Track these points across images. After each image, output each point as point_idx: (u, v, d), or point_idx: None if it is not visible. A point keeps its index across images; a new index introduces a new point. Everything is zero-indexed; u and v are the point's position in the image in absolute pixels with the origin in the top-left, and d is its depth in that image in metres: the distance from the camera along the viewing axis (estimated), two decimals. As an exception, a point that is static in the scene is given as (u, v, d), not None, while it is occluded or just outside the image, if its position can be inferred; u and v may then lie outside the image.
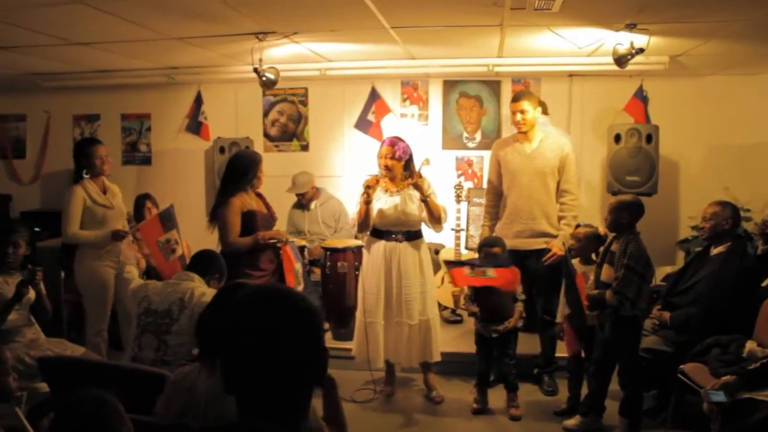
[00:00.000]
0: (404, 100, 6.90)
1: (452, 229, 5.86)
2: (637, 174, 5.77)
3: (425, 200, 4.38)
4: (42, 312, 4.14)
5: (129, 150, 7.41)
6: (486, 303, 4.41)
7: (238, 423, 1.38)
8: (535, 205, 4.74)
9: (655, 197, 5.71)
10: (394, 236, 4.52)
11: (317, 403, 1.71)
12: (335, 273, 5.49)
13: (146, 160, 7.40)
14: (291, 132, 7.13)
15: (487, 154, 5.95)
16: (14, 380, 2.61)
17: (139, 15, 4.16)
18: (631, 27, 4.41)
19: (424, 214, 4.48)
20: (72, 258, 4.69)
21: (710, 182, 6.18)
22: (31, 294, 3.99)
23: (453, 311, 6.04)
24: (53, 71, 6.34)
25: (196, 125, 7.15)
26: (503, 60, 5.94)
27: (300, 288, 4.58)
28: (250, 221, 4.36)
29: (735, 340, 3.73)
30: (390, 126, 6.75)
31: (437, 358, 4.65)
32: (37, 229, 6.34)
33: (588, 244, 4.39)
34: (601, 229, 4.55)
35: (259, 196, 4.60)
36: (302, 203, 6.31)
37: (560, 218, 4.75)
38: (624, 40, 4.68)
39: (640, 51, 4.64)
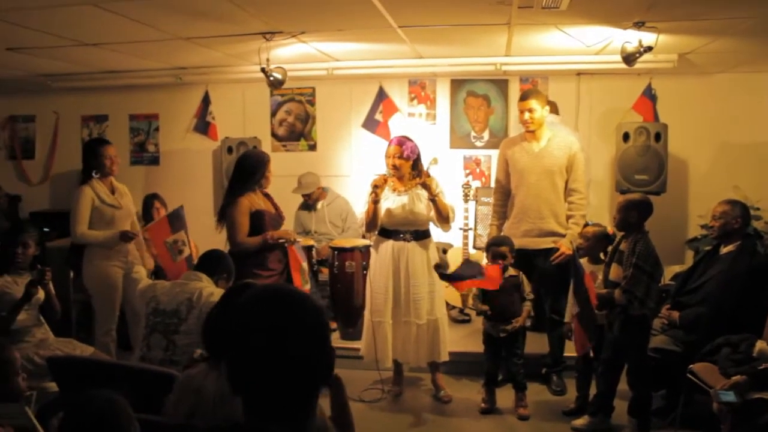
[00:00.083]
0: (412, 100, 6.90)
1: (460, 229, 5.84)
2: (645, 172, 5.75)
3: (433, 199, 4.37)
4: (51, 312, 4.15)
5: (137, 150, 7.44)
6: (494, 302, 4.40)
7: (245, 423, 1.39)
8: (543, 204, 4.72)
9: (663, 196, 5.68)
10: (402, 236, 4.52)
11: (325, 403, 1.71)
12: (343, 272, 5.49)
13: (154, 161, 7.42)
14: (298, 132, 7.14)
15: (494, 153, 5.94)
16: (23, 380, 2.62)
17: (147, 15, 4.17)
18: (639, 25, 4.39)
19: (432, 213, 4.47)
20: (81, 258, 4.71)
21: (719, 181, 6.15)
22: (41, 294, 4.01)
23: (461, 311, 6.04)
24: (62, 72, 6.36)
25: (203, 125, 7.17)
26: (511, 59, 5.93)
27: (307, 288, 4.58)
28: (259, 221, 4.37)
29: (745, 340, 3.71)
30: (398, 125, 6.76)
31: (445, 357, 4.65)
32: (46, 229, 6.37)
33: (596, 243, 4.37)
34: (610, 228, 4.53)
35: (267, 196, 4.60)
36: (309, 204, 6.31)
37: (568, 217, 4.73)
38: (632, 38, 4.66)
39: (649, 49, 4.63)
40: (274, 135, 7.17)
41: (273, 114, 7.17)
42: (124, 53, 5.46)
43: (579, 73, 6.43)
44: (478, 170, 6.84)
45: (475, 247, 6.00)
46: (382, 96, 6.84)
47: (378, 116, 6.87)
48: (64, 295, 5.08)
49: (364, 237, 5.74)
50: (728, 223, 4.20)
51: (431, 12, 4.30)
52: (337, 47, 5.49)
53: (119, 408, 1.95)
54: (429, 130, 6.80)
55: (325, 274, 5.78)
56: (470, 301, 5.01)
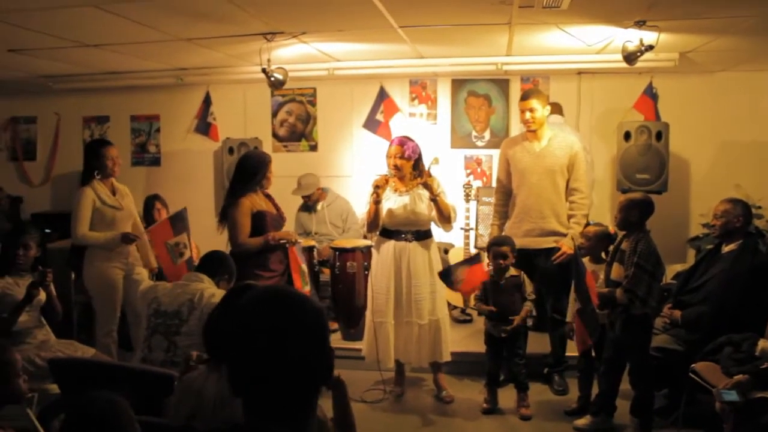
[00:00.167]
0: (413, 100, 6.90)
1: (461, 229, 5.85)
2: (647, 172, 5.74)
3: (435, 199, 4.37)
4: (52, 313, 4.15)
5: (138, 151, 7.44)
6: (495, 303, 4.39)
7: (245, 424, 1.39)
8: (544, 204, 4.71)
9: (665, 195, 5.67)
10: (403, 236, 4.52)
11: (327, 405, 1.71)
12: (344, 273, 5.48)
13: (155, 161, 7.43)
14: (300, 132, 7.14)
15: (496, 153, 5.94)
16: (25, 382, 2.62)
17: (147, 16, 4.18)
18: (640, 24, 4.38)
19: (434, 213, 4.47)
20: (82, 259, 4.70)
21: (721, 179, 6.14)
22: (42, 295, 4.00)
23: (462, 311, 6.03)
24: (63, 73, 6.37)
25: (204, 126, 7.17)
26: (512, 58, 5.93)
27: (306, 289, 4.58)
28: (260, 222, 4.37)
29: (747, 339, 3.70)
30: (399, 125, 6.75)
31: (447, 357, 4.64)
32: (47, 230, 6.37)
33: (598, 242, 4.36)
34: (611, 228, 4.53)
35: (268, 196, 4.60)
36: (308, 205, 6.31)
37: (570, 217, 4.73)
38: (633, 37, 4.66)
39: (650, 48, 4.62)
40: (275, 135, 7.17)
41: (274, 114, 7.17)
42: (125, 54, 5.46)
43: (580, 73, 6.42)
44: (479, 170, 6.83)
45: (476, 247, 6.00)
46: (383, 96, 6.84)
47: (379, 116, 6.86)
48: (66, 297, 5.08)
49: (365, 237, 5.73)
50: (730, 222, 4.19)
51: (432, 12, 4.30)
52: (338, 47, 5.49)
53: (120, 410, 1.95)
54: (430, 130, 6.80)
55: (326, 274, 5.77)
56: (472, 302, 5.00)
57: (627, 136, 5.81)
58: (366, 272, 5.18)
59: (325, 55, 5.81)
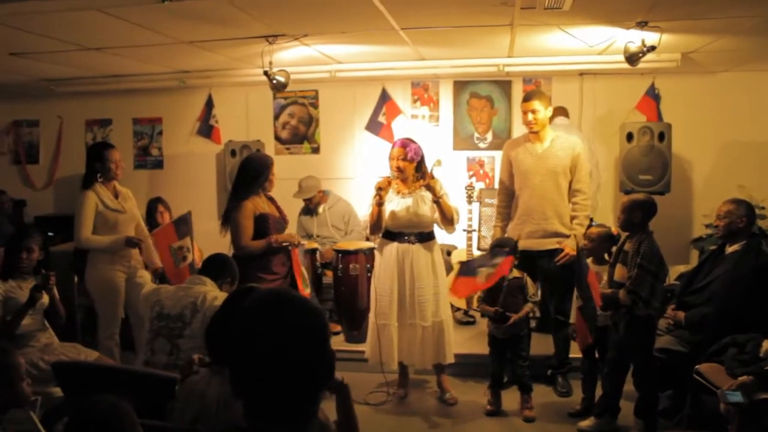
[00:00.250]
0: (415, 101, 6.90)
1: (464, 230, 5.85)
2: (649, 172, 5.73)
3: (438, 201, 4.37)
4: (56, 317, 4.16)
5: (141, 154, 7.45)
6: (497, 304, 4.38)
7: (246, 426, 1.39)
8: (547, 205, 4.71)
9: (668, 196, 5.67)
10: (406, 238, 4.51)
11: (330, 408, 1.71)
12: (347, 275, 5.48)
13: (158, 164, 7.44)
14: (302, 134, 7.14)
15: (498, 155, 5.93)
16: (28, 385, 2.63)
17: (149, 20, 4.18)
18: (642, 25, 4.38)
19: (437, 215, 4.47)
20: (85, 262, 4.71)
21: (724, 180, 6.13)
22: (45, 299, 4.01)
23: (465, 312, 6.03)
24: (65, 76, 6.39)
25: (207, 129, 7.19)
26: (514, 60, 5.92)
27: (307, 292, 4.57)
28: (263, 224, 4.36)
29: (752, 340, 3.69)
30: (401, 127, 6.76)
31: (450, 359, 4.63)
32: (50, 233, 6.38)
33: (601, 243, 4.36)
34: (614, 229, 4.52)
35: (271, 199, 4.60)
36: (310, 208, 6.30)
37: (573, 218, 4.72)
38: (635, 37, 4.66)
39: (652, 49, 4.62)
40: (277, 138, 7.17)
41: (276, 117, 7.17)
42: (127, 57, 5.47)
43: (582, 74, 6.42)
44: (481, 172, 6.83)
45: (479, 249, 6.00)
46: (385, 98, 6.85)
47: (381, 118, 6.87)
48: (69, 300, 5.09)
49: (367, 239, 5.73)
50: (733, 223, 4.18)
51: (433, 14, 4.30)
52: (340, 49, 5.49)
53: (123, 413, 1.95)
54: (432, 132, 6.80)
55: (329, 277, 5.77)
56: (475, 303, 5.00)
57: (629, 137, 5.81)
58: (369, 274, 5.18)
59: (327, 57, 5.81)
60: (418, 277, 4.48)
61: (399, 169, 4.45)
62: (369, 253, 5.38)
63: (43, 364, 3.72)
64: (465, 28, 4.74)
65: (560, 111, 6.11)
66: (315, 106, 7.09)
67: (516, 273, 4.43)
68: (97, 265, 4.65)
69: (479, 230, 6.18)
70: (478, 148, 6.84)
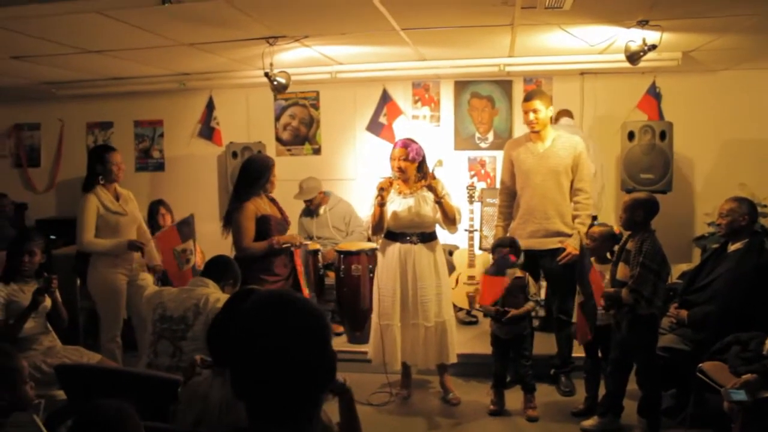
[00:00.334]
0: (416, 102, 6.90)
1: (465, 230, 5.84)
2: (651, 171, 5.73)
3: (439, 202, 4.36)
4: (58, 319, 4.16)
5: (142, 156, 7.46)
6: (500, 304, 4.38)
7: (248, 427, 1.39)
8: (549, 205, 4.70)
9: (669, 194, 5.66)
10: (408, 238, 4.51)
11: (333, 410, 1.70)
12: (349, 276, 5.48)
13: (159, 167, 7.44)
14: (303, 136, 7.15)
15: (499, 155, 5.93)
16: (32, 388, 2.63)
17: (149, 22, 4.18)
18: (643, 24, 4.38)
19: (438, 215, 4.47)
20: (87, 265, 4.71)
21: (726, 178, 6.13)
22: (47, 302, 4.01)
23: (468, 312, 6.02)
24: (66, 79, 6.39)
25: (208, 131, 7.19)
26: (514, 59, 5.92)
27: (307, 292, 4.57)
28: (265, 226, 4.37)
29: (755, 338, 3.68)
30: (402, 128, 6.76)
31: (453, 359, 4.63)
32: (52, 236, 6.37)
33: (603, 243, 4.35)
34: (616, 228, 4.51)
35: (273, 200, 4.60)
36: (311, 209, 6.30)
37: (574, 217, 4.71)
38: (636, 36, 4.65)
39: (653, 47, 4.62)
40: (278, 139, 7.18)
41: (277, 118, 7.18)
42: (128, 60, 5.47)
43: (583, 73, 6.42)
44: (483, 171, 6.83)
45: (480, 249, 5.99)
46: (385, 99, 6.85)
47: (382, 119, 6.87)
48: (71, 303, 5.09)
49: (369, 240, 5.73)
50: (735, 221, 4.18)
51: (434, 14, 4.30)
52: (341, 50, 5.49)
53: (127, 416, 1.95)
54: (433, 132, 6.80)
55: (331, 278, 5.77)
56: (477, 303, 4.99)
57: (631, 135, 5.80)
58: (371, 275, 5.17)
59: (328, 59, 5.81)
60: (420, 277, 4.48)
61: (400, 170, 4.45)
62: (371, 254, 5.38)
63: (46, 367, 3.72)
64: (465, 29, 4.74)
65: (565, 112, 6.11)
66: (316, 107, 7.09)
67: (518, 272, 4.43)
68: (99, 268, 4.65)
69: (481, 230, 6.18)
70: (480, 148, 6.83)
